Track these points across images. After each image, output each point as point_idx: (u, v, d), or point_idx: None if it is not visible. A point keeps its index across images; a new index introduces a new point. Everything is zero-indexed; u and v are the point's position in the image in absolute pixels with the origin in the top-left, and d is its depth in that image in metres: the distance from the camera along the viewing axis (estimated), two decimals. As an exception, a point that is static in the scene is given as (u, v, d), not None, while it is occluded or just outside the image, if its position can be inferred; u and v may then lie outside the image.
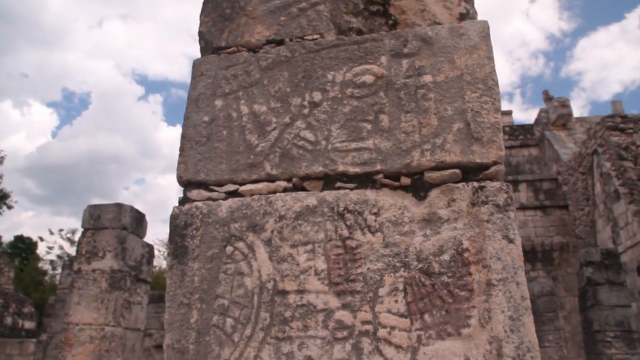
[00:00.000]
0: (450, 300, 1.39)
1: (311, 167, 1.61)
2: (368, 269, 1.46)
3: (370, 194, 1.54)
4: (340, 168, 1.59)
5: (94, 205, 6.60)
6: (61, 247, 31.68)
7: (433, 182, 1.53)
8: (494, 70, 1.60)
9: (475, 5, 1.87)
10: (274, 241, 1.54)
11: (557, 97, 22.10)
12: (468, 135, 1.54)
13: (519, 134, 22.49)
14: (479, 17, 1.81)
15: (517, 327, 1.34)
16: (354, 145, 1.60)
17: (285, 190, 1.62)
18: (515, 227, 1.45)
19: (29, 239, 34.35)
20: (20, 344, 15.84)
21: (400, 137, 1.58)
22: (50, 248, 31.97)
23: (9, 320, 18.34)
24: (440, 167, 1.53)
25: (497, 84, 1.59)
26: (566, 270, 15.09)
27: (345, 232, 1.50)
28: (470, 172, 1.53)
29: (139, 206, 6.58)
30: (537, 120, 22.59)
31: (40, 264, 32.10)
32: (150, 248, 7.01)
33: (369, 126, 1.61)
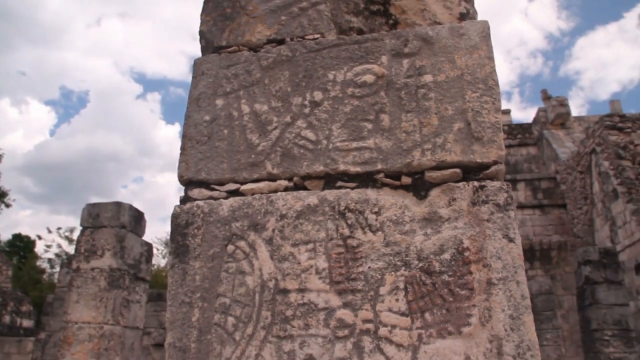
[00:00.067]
0: (451, 299, 1.39)
1: (312, 167, 1.61)
2: (369, 267, 1.46)
3: (371, 193, 1.55)
4: (341, 167, 1.59)
5: (92, 203, 6.60)
6: (59, 246, 31.68)
7: (434, 182, 1.54)
8: (494, 70, 1.61)
9: (475, 5, 1.88)
10: (275, 240, 1.54)
11: (556, 96, 22.13)
12: (468, 134, 1.54)
13: (517, 133, 22.52)
14: (479, 17, 1.82)
15: (518, 325, 1.35)
16: (354, 144, 1.60)
17: (286, 189, 1.62)
18: (515, 227, 1.45)
19: (27, 237, 34.32)
20: (18, 343, 15.83)
21: (401, 137, 1.58)
22: (49, 246, 31.97)
23: (7, 318, 18.33)
24: (440, 166, 1.54)
25: (497, 84, 1.60)
26: (564, 269, 15.13)
27: (347, 231, 1.51)
28: (471, 171, 1.53)
29: (137, 205, 6.59)
30: (535, 120, 22.61)
31: (38, 263, 32.07)
32: (149, 246, 7.01)
33: (369, 126, 1.62)
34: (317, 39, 1.78)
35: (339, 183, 1.59)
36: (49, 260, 32.10)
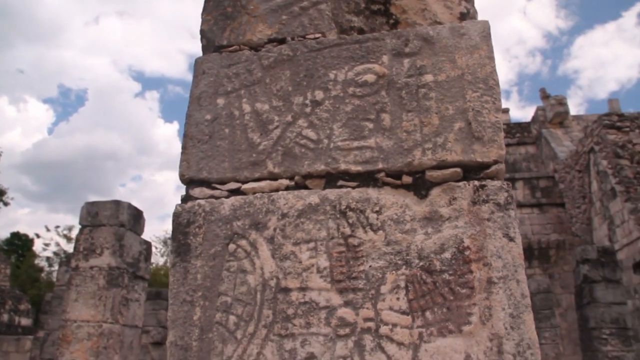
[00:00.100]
0: (452, 298, 1.40)
1: (313, 166, 1.62)
2: (370, 266, 1.47)
3: (372, 193, 1.56)
4: (343, 166, 1.60)
5: (91, 202, 6.60)
6: (57, 244, 31.67)
7: (434, 181, 1.54)
8: (495, 70, 1.62)
9: (475, 4, 1.88)
10: (276, 239, 1.55)
11: (554, 95, 22.16)
12: (469, 134, 1.55)
13: (515, 131, 22.55)
14: (479, 16, 1.83)
15: (518, 324, 1.36)
16: (355, 144, 1.61)
17: (287, 188, 1.63)
18: (515, 226, 1.46)
19: (25, 235, 34.29)
20: (16, 341, 15.83)
21: (402, 136, 1.59)
22: (47, 245, 31.95)
23: (5, 317, 18.31)
24: (441, 166, 1.54)
25: (497, 84, 1.60)
26: (562, 268, 15.17)
27: (348, 230, 1.52)
28: (471, 171, 1.54)
29: (135, 203, 6.58)
30: (534, 118, 22.65)
31: (36, 261, 32.04)
32: (147, 245, 7.01)
33: (370, 125, 1.62)
34: (318, 38, 1.79)
35: (340, 182, 1.60)
36: (47, 258, 32.09)
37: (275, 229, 1.56)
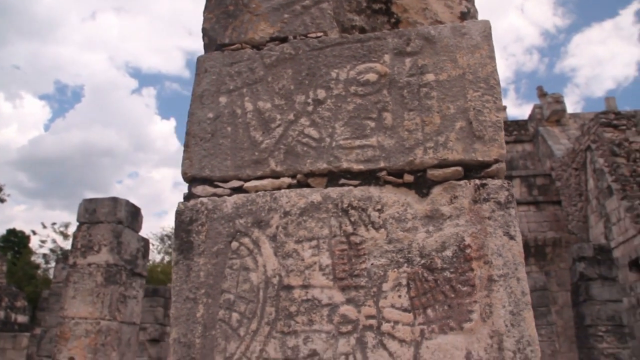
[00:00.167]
0: (453, 295, 1.42)
1: (315, 164, 1.63)
2: (372, 264, 1.48)
3: (373, 191, 1.57)
4: (344, 165, 1.61)
5: (89, 199, 6.59)
6: (54, 241, 31.60)
7: (435, 180, 1.56)
8: (496, 70, 1.63)
9: (475, 4, 1.89)
10: (279, 237, 1.56)
11: (551, 93, 22.21)
12: (470, 133, 1.56)
13: (512, 129, 22.59)
14: (478, 15, 1.84)
15: (518, 321, 1.37)
16: (357, 142, 1.62)
17: (289, 186, 1.64)
18: (516, 224, 1.48)
19: (22, 232, 34.22)
20: (13, 338, 15.79)
21: (404, 135, 1.60)
22: (43, 242, 31.87)
23: (1, 314, 18.29)
24: (442, 164, 1.56)
25: (498, 83, 1.61)
26: (559, 266, 15.22)
27: (350, 228, 1.53)
28: (472, 169, 1.55)
29: (132, 200, 6.54)
30: (531, 116, 22.69)
31: (32, 258, 31.97)
32: (145, 242, 7.01)
33: (372, 124, 1.63)
34: (320, 37, 1.80)
35: (342, 181, 1.61)
36: (44, 255, 32.03)
37: (277, 227, 1.57)
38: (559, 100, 21.70)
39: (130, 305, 6.47)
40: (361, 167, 1.60)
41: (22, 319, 19.46)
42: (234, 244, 1.58)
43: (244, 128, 1.72)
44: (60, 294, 8.31)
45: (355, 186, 1.59)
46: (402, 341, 1.39)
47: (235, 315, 1.50)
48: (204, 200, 1.66)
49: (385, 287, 1.45)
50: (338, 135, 1.64)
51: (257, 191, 1.65)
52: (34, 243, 33.52)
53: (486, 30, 1.68)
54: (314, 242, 1.53)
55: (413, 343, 1.39)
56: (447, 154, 1.56)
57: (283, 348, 1.44)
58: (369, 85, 1.68)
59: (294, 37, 1.82)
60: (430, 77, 1.64)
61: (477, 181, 1.52)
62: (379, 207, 1.54)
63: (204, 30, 1.93)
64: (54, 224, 31.85)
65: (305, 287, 1.49)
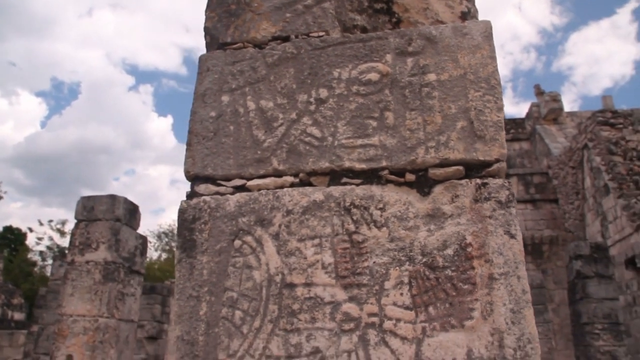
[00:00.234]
0: (454, 294, 1.43)
1: (318, 163, 1.64)
2: (374, 262, 1.50)
3: (375, 190, 1.58)
4: (347, 164, 1.62)
5: (87, 196, 6.59)
6: (51, 238, 31.58)
7: (437, 179, 1.57)
8: (497, 70, 1.64)
9: (476, 3, 1.90)
10: (281, 235, 1.57)
11: (549, 91, 22.27)
12: (471, 133, 1.57)
13: (510, 127, 22.62)
14: (478, 14, 1.85)
15: (518, 319, 1.39)
16: (359, 141, 1.63)
17: (292, 185, 1.65)
18: (516, 223, 1.49)
19: (18, 229, 34.17)
20: (10, 335, 15.78)
21: (405, 134, 1.61)
22: (40, 239, 31.86)
23: (-2, 311, 18.26)
24: (444, 164, 1.57)
25: (499, 83, 1.63)
26: (555, 264, 15.29)
27: (352, 227, 1.54)
28: (473, 169, 1.57)
29: (129, 197, 6.52)
30: (528, 114, 22.75)
31: (29, 255, 31.94)
32: (143, 239, 7.01)
33: (374, 123, 1.64)
34: (321, 36, 1.80)
35: (344, 179, 1.62)
36: (41, 252, 32.01)
37: (280, 226, 1.58)
38: (556, 98, 21.76)
39: (128, 302, 6.48)
40: (363, 166, 1.61)
41: (18, 316, 19.44)
42: (237, 242, 1.59)
43: (246, 127, 1.73)
44: (58, 291, 8.31)
45: (358, 185, 1.60)
46: (404, 338, 1.41)
47: (238, 313, 1.51)
48: (207, 198, 1.67)
49: (388, 285, 1.47)
50: (340, 134, 1.65)
51: (259, 190, 1.66)
52: (30, 240, 33.53)
53: (487, 31, 1.69)
54: (316, 241, 1.54)
55: (415, 340, 1.40)
56: (448, 153, 1.57)
57: (286, 345, 1.45)
58: (371, 84, 1.69)
59: (296, 37, 1.83)
60: (431, 77, 1.66)
61: (478, 180, 1.54)
62: (381, 205, 1.55)
63: (206, 29, 1.94)
64: (50, 221, 31.87)
65: (308, 285, 1.50)
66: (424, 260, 1.48)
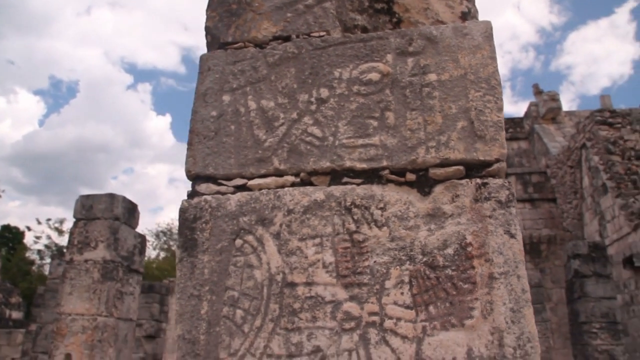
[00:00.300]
0: (454, 293, 1.44)
1: (319, 163, 1.64)
2: (375, 262, 1.50)
3: (376, 189, 1.59)
4: (347, 164, 1.63)
5: (86, 195, 6.58)
6: (49, 237, 31.55)
7: (437, 179, 1.57)
8: (497, 70, 1.65)
9: (476, 3, 1.91)
10: (282, 234, 1.57)
11: (547, 90, 22.30)
12: (472, 133, 1.58)
13: (508, 127, 22.64)
14: (478, 14, 1.85)
15: (518, 318, 1.40)
16: (360, 141, 1.64)
17: (293, 184, 1.65)
18: (516, 223, 1.50)
19: (16, 228, 34.12)
20: (8, 334, 15.76)
21: (406, 134, 1.62)
22: (38, 238, 31.81)
23: (-4, 310, 18.23)
24: (444, 163, 1.57)
25: (499, 84, 1.63)
26: (553, 263, 15.31)
27: (353, 226, 1.55)
28: (474, 169, 1.57)
29: (127, 196, 6.53)
30: (526, 114, 22.78)
31: (27, 254, 31.89)
32: (142, 238, 7.01)
33: (375, 123, 1.65)
34: (322, 36, 1.81)
35: (345, 179, 1.63)
36: (39, 251, 31.97)
37: (281, 225, 1.59)
38: (554, 98, 21.79)
39: (127, 301, 6.48)
40: (364, 165, 1.62)
41: (16, 315, 19.41)
42: (238, 242, 1.59)
43: (247, 126, 1.73)
44: (56, 290, 8.30)
45: (358, 185, 1.61)
46: (404, 337, 1.42)
47: (239, 312, 1.52)
48: (208, 198, 1.67)
49: (388, 284, 1.47)
50: (341, 134, 1.65)
51: (260, 189, 1.66)
52: (28, 239, 33.48)
53: (487, 31, 1.70)
54: (317, 240, 1.55)
55: (415, 339, 1.41)
56: (448, 153, 1.57)
57: (287, 344, 1.46)
58: (371, 84, 1.69)
59: (297, 36, 1.84)
60: (432, 77, 1.66)
61: (479, 180, 1.54)
62: (381, 205, 1.56)
63: (207, 28, 1.94)
64: (48, 219, 31.88)
65: (309, 284, 1.51)
66: (425, 259, 1.48)
